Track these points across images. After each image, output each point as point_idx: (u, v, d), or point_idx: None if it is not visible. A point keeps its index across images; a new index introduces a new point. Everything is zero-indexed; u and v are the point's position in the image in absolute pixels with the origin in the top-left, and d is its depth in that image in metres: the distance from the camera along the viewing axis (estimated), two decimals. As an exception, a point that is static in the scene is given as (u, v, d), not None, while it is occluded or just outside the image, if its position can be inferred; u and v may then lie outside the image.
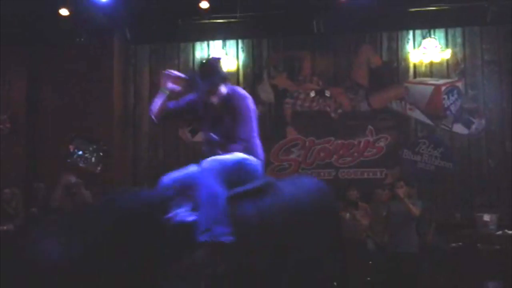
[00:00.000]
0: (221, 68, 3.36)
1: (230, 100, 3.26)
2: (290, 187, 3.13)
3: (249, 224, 2.87)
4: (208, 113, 3.32)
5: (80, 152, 8.14)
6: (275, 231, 2.89)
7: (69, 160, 8.03)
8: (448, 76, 8.04)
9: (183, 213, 2.88)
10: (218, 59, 3.63)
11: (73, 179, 6.56)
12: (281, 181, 3.22)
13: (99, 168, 8.11)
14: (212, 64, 3.35)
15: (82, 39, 8.05)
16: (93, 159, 8.13)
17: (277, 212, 2.93)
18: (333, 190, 3.33)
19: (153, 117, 3.38)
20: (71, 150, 8.12)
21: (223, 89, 3.27)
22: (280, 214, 2.93)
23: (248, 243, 2.83)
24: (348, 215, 6.49)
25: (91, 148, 8.14)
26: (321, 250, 3.04)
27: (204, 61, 3.56)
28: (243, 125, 3.18)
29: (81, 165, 8.07)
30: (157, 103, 3.34)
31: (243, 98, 3.27)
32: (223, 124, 3.24)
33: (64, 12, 7.51)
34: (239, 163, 3.10)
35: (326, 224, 3.09)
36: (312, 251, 2.99)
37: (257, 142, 3.29)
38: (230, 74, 3.86)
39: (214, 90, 3.23)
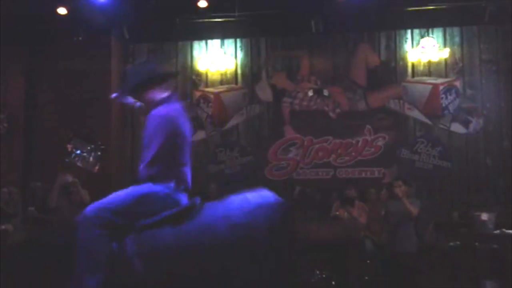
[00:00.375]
0: (134, 75, 2.92)
1: (150, 118, 2.85)
2: (224, 206, 2.75)
3: (168, 251, 2.60)
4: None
5: (78, 152, 8.10)
6: (199, 255, 2.60)
7: (67, 160, 8.00)
8: (446, 76, 8.05)
9: None
10: (138, 63, 3.21)
11: (70, 178, 6.55)
12: (218, 202, 2.82)
13: (97, 168, 8.08)
14: (124, 73, 3.01)
15: (80, 38, 8.03)
16: (91, 158, 8.10)
17: (200, 235, 2.61)
18: (289, 207, 2.83)
19: (115, 97, 3.09)
20: (69, 149, 8.08)
21: (154, 103, 2.88)
22: (205, 236, 2.61)
23: (170, 270, 2.59)
24: (345, 214, 6.50)
25: (89, 148, 8.10)
26: (263, 272, 2.65)
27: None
28: (149, 149, 2.77)
29: (79, 164, 8.04)
30: (129, 99, 3.10)
31: (153, 118, 2.82)
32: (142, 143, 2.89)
33: (62, 11, 7.49)
34: (135, 197, 2.73)
35: (270, 244, 2.66)
36: (252, 273, 2.63)
37: (175, 168, 2.84)
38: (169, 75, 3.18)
39: (133, 105, 3.01)
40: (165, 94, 2.93)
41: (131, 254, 2.58)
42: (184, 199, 2.84)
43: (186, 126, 2.92)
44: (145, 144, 2.81)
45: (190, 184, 2.91)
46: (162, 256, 2.59)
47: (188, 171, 2.91)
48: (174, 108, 2.88)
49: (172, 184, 2.79)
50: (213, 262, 2.59)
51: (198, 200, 2.79)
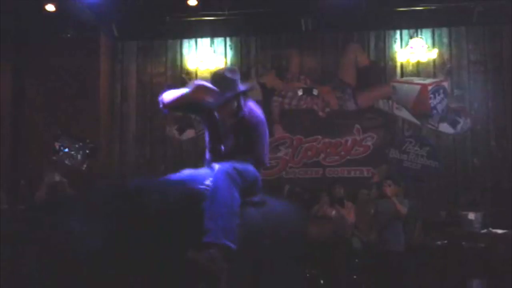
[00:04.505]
0: (235, 82, 3.10)
1: (246, 123, 3.14)
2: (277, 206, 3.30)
3: (255, 229, 2.98)
4: (220, 126, 3.20)
5: (66, 150, 8.06)
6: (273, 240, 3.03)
7: (55, 158, 7.95)
8: (434, 76, 8.10)
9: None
10: (233, 70, 3.25)
11: (57, 177, 6.51)
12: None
13: (85, 166, 8.04)
14: (226, 78, 3.08)
15: (69, 35, 7.98)
16: (79, 156, 8.06)
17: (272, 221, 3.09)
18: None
19: (162, 104, 3.13)
20: (57, 147, 8.04)
21: (240, 106, 3.12)
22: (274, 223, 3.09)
23: (255, 248, 2.93)
24: (333, 212, 6.51)
25: (77, 146, 8.07)
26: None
27: (218, 73, 3.20)
28: (257, 148, 3.18)
29: (66, 162, 7.99)
30: (175, 94, 3.08)
31: (260, 123, 3.21)
32: (236, 142, 3.16)
33: (50, 8, 7.43)
34: (255, 177, 3.12)
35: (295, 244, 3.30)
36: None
37: (267, 163, 3.31)
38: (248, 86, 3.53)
39: (228, 107, 3.10)
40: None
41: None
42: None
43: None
44: (254, 142, 3.16)
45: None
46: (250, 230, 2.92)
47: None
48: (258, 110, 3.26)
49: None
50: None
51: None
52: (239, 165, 3.00)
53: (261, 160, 3.22)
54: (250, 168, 3.10)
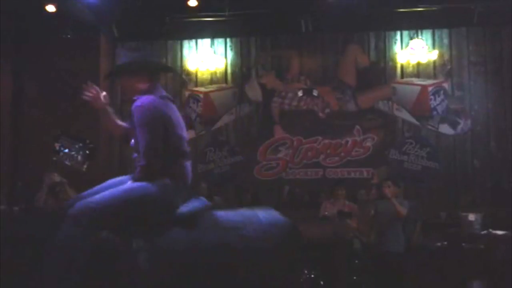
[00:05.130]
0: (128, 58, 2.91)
1: (133, 109, 2.71)
2: (234, 217, 2.72)
3: (177, 251, 2.53)
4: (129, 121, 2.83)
5: (66, 150, 8.03)
6: (209, 259, 2.56)
7: (54, 158, 7.93)
8: (434, 77, 8.10)
9: None
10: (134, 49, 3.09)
11: (57, 178, 6.49)
12: (226, 212, 2.79)
13: (85, 167, 8.02)
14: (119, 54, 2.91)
15: (69, 36, 7.97)
16: (79, 157, 8.04)
17: (211, 240, 2.58)
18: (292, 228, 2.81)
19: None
20: (57, 148, 8.02)
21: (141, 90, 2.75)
22: (215, 242, 2.57)
23: (177, 269, 2.54)
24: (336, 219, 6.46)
25: (77, 146, 8.04)
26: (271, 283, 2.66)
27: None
28: (141, 140, 2.61)
29: (66, 163, 7.97)
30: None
31: (138, 107, 2.66)
32: (135, 138, 2.72)
33: (50, 8, 7.42)
34: (127, 200, 2.55)
35: (279, 259, 2.72)
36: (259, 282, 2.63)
37: (171, 162, 2.64)
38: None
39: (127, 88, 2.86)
40: (149, 85, 2.79)
41: (137, 249, 2.50)
42: (183, 197, 2.67)
43: (176, 116, 2.75)
44: (137, 138, 2.66)
45: (189, 179, 2.73)
46: (171, 255, 2.52)
47: (186, 165, 2.71)
48: (159, 98, 2.73)
49: (167, 181, 2.60)
50: (222, 268, 2.56)
51: (205, 202, 2.73)
52: (105, 195, 2.57)
53: (154, 161, 2.59)
54: (128, 191, 2.58)
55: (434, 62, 8.08)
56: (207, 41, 8.48)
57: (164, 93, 2.82)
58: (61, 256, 2.41)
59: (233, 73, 8.46)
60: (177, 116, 2.79)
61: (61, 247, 2.42)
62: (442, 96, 8.02)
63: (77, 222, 2.44)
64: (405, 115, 8.07)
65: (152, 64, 3.03)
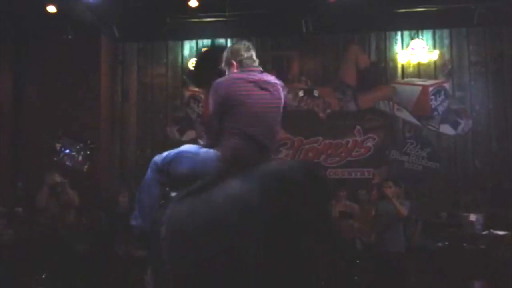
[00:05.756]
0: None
1: None
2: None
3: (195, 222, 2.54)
4: None
5: (67, 151, 8.06)
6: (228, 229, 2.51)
7: (55, 159, 7.95)
8: (435, 77, 8.10)
9: None
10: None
11: (58, 178, 6.50)
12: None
13: (86, 167, 8.04)
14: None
15: (70, 36, 7.98)
16: (80, 157, 8.06)
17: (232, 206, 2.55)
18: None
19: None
20: (58, 148, 8.04)
21: None
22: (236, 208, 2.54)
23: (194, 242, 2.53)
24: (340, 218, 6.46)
25: (78, 147, 8.07)
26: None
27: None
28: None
29: (67, 163, 7.99)
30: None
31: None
32: None
33: (51, 9, 7.42)
34: (174, 157, 2.92)
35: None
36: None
37: (222, 137, 2.95)
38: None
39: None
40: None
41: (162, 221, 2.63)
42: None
43: (243, 94, 2.94)
44: None
45: (243, 156, 2.82)
46: (187, 228, 2.54)
47: (239, 142, 2.86)
48: (229, 77, 3.02)
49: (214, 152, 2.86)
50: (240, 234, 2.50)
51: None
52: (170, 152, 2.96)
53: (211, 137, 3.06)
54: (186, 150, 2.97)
55: (435, 62, 8.08)
56: (207, 41, 8.47)
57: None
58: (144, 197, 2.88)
59: (233, 73, 8.45)
60: (242, 91, 3.19)
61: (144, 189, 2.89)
62: (443, 96, 8.02)
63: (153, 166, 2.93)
64: (405, 115, 8.07)
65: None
